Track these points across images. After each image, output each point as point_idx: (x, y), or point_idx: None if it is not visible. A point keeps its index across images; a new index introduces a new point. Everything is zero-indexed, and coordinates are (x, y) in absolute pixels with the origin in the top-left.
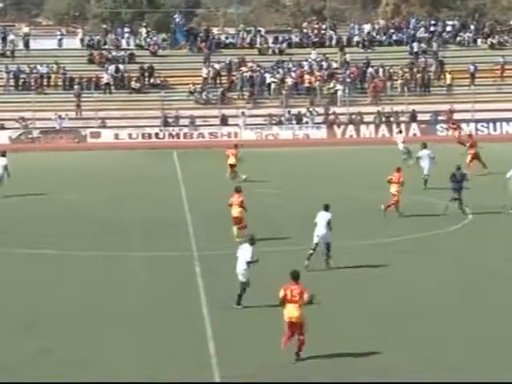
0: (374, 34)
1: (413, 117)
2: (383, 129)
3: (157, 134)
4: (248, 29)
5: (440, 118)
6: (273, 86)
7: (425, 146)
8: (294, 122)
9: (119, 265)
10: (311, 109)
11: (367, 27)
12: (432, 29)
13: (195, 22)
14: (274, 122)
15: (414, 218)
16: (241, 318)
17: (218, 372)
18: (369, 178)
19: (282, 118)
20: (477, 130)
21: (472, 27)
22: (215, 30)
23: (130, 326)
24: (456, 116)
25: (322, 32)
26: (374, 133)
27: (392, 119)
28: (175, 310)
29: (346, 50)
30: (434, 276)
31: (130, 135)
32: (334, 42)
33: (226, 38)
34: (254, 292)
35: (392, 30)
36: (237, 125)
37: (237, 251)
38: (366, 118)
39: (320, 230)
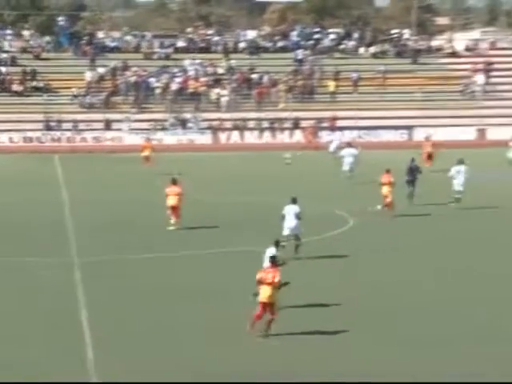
0: (259, 40)
1: (296, 123)
2: (267, 135)
3: (39, 138)
4: (133, 33)
5: (323, 124)
6: (158, 90)
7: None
8: (178, 127)
9: None
10: (196, 114)
11: (253, 33)
12: (316, 36)
13: (80, 26)
14: (158, 126)
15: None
16: (121, 325)
17: (95, 377)
18: (251, 183)
19: (167, 123)
20: (359, 137)
21: (355, 36)
22: (100, 34)
23: (7, 332)
24: (339, 123)
25: (208, 37)
26: (258, 138)
27: (276, 125)
28: (53, 315)
29: (232, 56)
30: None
31: (10, 139)
32: (219, 47)
33: (111, 41)
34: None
35: (277, 37)
36: (121, 129)
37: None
38: (251, 124)
39: (290, 222)
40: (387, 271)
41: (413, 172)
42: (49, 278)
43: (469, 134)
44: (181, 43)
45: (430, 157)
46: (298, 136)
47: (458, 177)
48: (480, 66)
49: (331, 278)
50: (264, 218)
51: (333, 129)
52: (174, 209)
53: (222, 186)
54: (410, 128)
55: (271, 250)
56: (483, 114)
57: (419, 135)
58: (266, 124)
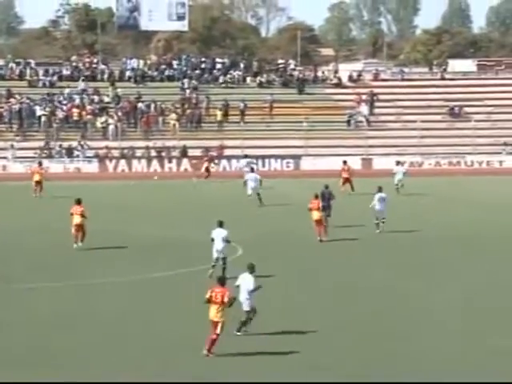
0: (145, 69)
1: (184, 152)
2: (155, 163)
3: None
4: (17, 60)
5: (211, 153)
6: (43, 118)
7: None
8: (64, 155)
9: None
10: (82, 142)
11: (139, 62)
12: (203, 66)
13: None
14: (44, 155)
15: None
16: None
17: None
18: (137, 211)
19: (53, 151)
20: (248, 164)
21: (241, 65)
22: None
23: None
24: (227, 152)
25: (94, 66)
26: (146, 167)
27: (163, 154)
28: None
29: (118, 84)
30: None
31: None
32: (105, 76)
33: None
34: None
35: (164, 66)
36: (5, 158)
37: (237, 280)
38: (138, 153)
39: (218, 245)
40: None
41: (326, 198)
42: None
43: (354, 163)
44: (66, 71)
45: (346, 181)
46: (186, 165)
47: (380, 204)
48: (364, 97)
49: None
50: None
51: (220, 157)
52: (79, 227)
53: (104, 215)
54: (296, 157)
55: (245, 276)
56: (368, 143)
57: (306, 165)
58: (153, 153)
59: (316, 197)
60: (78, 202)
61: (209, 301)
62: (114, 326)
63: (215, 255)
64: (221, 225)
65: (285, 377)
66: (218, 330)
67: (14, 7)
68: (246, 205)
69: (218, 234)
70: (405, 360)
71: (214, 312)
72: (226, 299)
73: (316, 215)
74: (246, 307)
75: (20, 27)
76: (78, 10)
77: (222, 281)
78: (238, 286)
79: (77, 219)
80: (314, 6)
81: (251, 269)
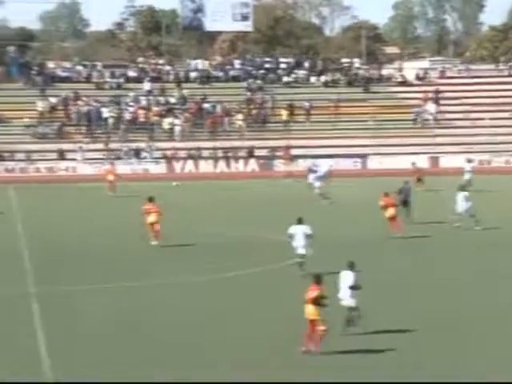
0: (210, 69)
1: (251, 152)
2: (222, 164)
3: None
4: (84, 63)
5: (277, 153)
6: (110, 120)
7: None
8: (132, 156)
9: None
10: (150, 143)
11: (204, 63)
12: (267, 66)
13: (30, 56)
14: (112, 156)
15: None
16: (82, 358)
17: None
18: (208, 211)
19: (121, 153)
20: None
21: (306, 65)
22: (51, 64)
23: None
24: (293, 152)
25: (159, 67)
26: (213, 167)
27: (230, 154)
28: (11, 348)
29: (184, 85)
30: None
31: None
32: (171, 77)
33: (62, 71)
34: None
35: (228, 67)
36: (75, 159)
37: (339, 278)
38: (205, 153)
39: (299, 241)
40: None
41: (406, 193)
42: (5, 309)
43: (422, 161)
44: (132, 73)
45: (419, 180)
46: (253, 165)
47: (466, 202)
48: (430, 95)
49: None
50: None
51: (287, 157)
52: (154, 225)
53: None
54: (363, 156)
55: (346, 273)
56: (435, 141)
57: (373, 164)
58: (220, 153)
59: (386, 194)
60: (151, 199)
61: (307, 300)
62: (210, 325)
63: (299, 251)
64: (300, 221)
65: (387, 376)
66: (317, 328)
67: (80, 10)
68: (315, 203)
69: (299, 230)
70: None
71: (308, 310)
72: (312, 295)
73: (390, 212)
74: (347, 304)
75: (86, 30)
76: (142, 12)
77: (317, 279)
78: (291, 236)
79: (150, 217)
80: (378, 4)
81: (351, 266)
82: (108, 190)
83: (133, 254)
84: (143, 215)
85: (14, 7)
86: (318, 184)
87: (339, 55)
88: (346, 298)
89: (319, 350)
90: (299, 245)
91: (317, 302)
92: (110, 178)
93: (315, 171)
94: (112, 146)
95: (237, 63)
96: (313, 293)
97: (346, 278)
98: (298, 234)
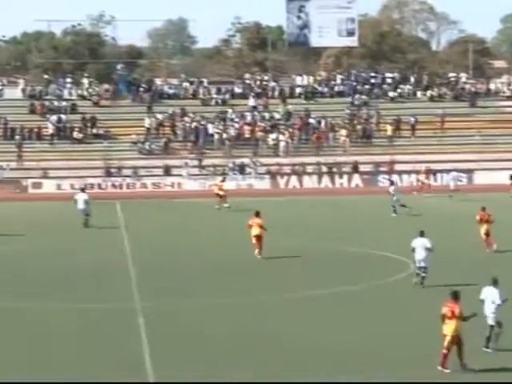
0: (315, 85)
1: (355, 167)
2: (326, 179)
3: (99, 185)
4: (191, 79)
5: (381, 168)
6: (216, 136)
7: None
8: (237, 172)
9: (59, 317)
10: (254, 159)
11: (309, 79)
12: (372, 81)
13: (138, 73)
14: (217, 172)
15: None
16: (185, 372)
17: None
18: (314, 228)
19: (226, 169)
20: (418, 180)
21: (412, 80)
22: (158, 81)
23: (74, 377)
24: (397, 167)
25: (265, 83)
26: (317, 183)
27: (334, 170)
28: (116, 361)
29: (288, 101)
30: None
31: (72, 185)
32: (276, 93)
33: (169, 88)
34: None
35: (333, 82)
36: (180, 175)
37: (481, 294)
38: (309, 169)
39: (420, 254)
40: None
41: None
42: (112, 324)
43: None
44: (237, 89)
45: None
46: (357, 180)
47: None
48: None
49: None
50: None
51: (391, 172)
52: (258, 238)
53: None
54: (469, 172)
55: (490, 289)
56: None
57: (479, 179)
58: (324, 168)
59: (483, 209)
60: (257, 214)
61: (443, 316)
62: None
63: (417, 264)
64: (422, 234)
65: None
66: (450, 344)
67: (188, 27)
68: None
69: (421, 244)
70: None
71: (447, 327)
72: (456, 313)
73: (484, 227)
74: (490, 321)
75: (193, 47)
76: (249, 28)
77: (454, 295)
78: (482, 300)
79: (255, 230)
80: (486, 18)
81: (495, 282)
82: (218, 203)
83: (245, 268)
84: (248, 228)
85: (123, 25)
86: (397, 197)
87: (446, 70)
88: (490, 314)
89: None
90: (419, 258)
91: (463, 318)
92: (219, 192)
93: (392, 183)
94: (217, 161)
95: (341, 78)
96: (457, 309)
97: (490, 293)
98: (419, 247)
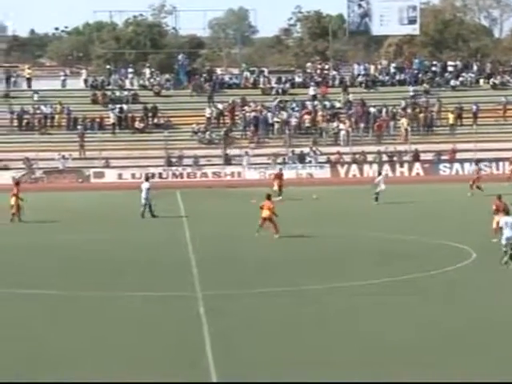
0: (376, 74)
1: (416, 156)
2: (386, 168)
3: (160, 174)
4: (251, 69)
5: (443, 157)
6: (276, 125)
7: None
8: (297, 161)
9: (121, 305)
10: (314, 148)
11: (370, 67)
12: (434, 69)
13: (198, 63)
14: (277, 161)
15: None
16: (246, 362)
17: None
18: (372, 217)
19: (286, 158)
20: (480, 169)
21: (474, 68)
22: (219, 71)
23: (135, 367)
24: (459, 155)
25: (325, 72)
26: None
27: (395, 158)
28: (179, 349)
29: (349, 89)
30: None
31: (133, 175)
32: (337, 82)
33: (230, 78)
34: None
35: (394, 70)
36: (240, 164)
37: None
38: (370, 158)
39: (508, 233)
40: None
41: None
42: (174, 312)
43: None
44: (298, 78)
45: None
46: (418, 169)
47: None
48: None
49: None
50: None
51: (452, 161)
52: (266, 220)
53: (343, 220)
54: None
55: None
56: None
57: None
58: (385, 157)
59: (499, 198)
60: (268, 197)
61: None
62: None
63: (504, 242)
64: (508, 213)
65: None
66: None
67: (248, 17)
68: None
69: (507, 221)
70: None
71: None
72: None
73: (499, 217)
74: None
75: (254, 37)
76: (309, 17)
77: None
78: (501, 228)
79: (265, 213)
80: None
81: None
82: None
83: (296, 258)
84: (260, 209)
85: (184, 15)
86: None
87: (509, 57)
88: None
89: None
90: (508, 235)
91: None
92: (276, 182)
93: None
94: (277, 150)
95: (402, 67)
96: None
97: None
98: (507, 225)
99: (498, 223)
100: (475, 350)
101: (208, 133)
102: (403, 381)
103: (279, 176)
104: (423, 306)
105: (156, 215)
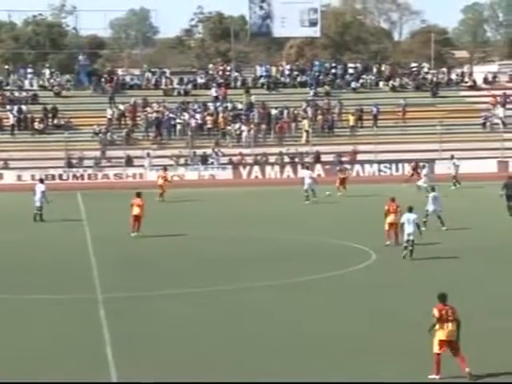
0: (278, 75)
1: (317, 157)
2: (288, 169)
3: (60, 176)
4: (153, 70)
5: (343, 158)
6: (178, 127)
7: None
8: (199, 162)
9: (21, 308)
10: (217, 149)
11: (272, 69)
12: (335, 71)
13: (99, 63)
14: (180, 162)
15: (323, 257)
16: (146, 361)
17: None
18: (276, 218)
19: (188, 159)
20: (380, 170)
21: (374, 70)
22: (120, 71)
23: (33, 370)
24: (359, 157)
25: (227, 73)
26: (280, 173)
27: (297, 160)
28: (79, 351)
29: (251, 91)
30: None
31: (33, 176)
32: (238, 83)
33: (131, 78)
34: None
35: (296, 72)
36: (142, 166)
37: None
38: (271, 159)
39: (409, 229)
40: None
41: (510, 188)
42: (74, 315)
43: (490, 166)
44: (200, 79)
45: None
46: (319, 170)
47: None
48: (499, 99)
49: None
50: (274, 254)
51: (353, 163)
52: (137, 218)
53: (243, 221)
54: (431, 161)
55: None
56: (505, 146)
57: (440, 168)
58: (287, 159)
59: (392, 199)
60: (138, 194)
61: (440, 320)
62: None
63: (405, 238)
64: (410, 210)
65: None
66: (460, 351)
67: (150, 18)
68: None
69: (409, 218)
70: None
71: (450, 331)
72: (456, 316)
73: (391, 218)
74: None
75: (155, 37)
76: (211, 18)
77: (443, 298)
78: (402, 224)
79: (135, 210)
80: (447, 8)
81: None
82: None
83: (197, 259)
84: (131, 208)
85: (85, 15)
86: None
87: (408, 60)
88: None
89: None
90: (409, 232)
91: (458, 322)
92: (160, 182)
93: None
94: (178, 152)
95: (305, 69)
96: (455, 313)
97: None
98: (408, 221)
99: (389, 224)
100: (378, 349)
101: (109, 134)
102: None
103: (164, 177)
104: (326, 305)
105: (44, 219)
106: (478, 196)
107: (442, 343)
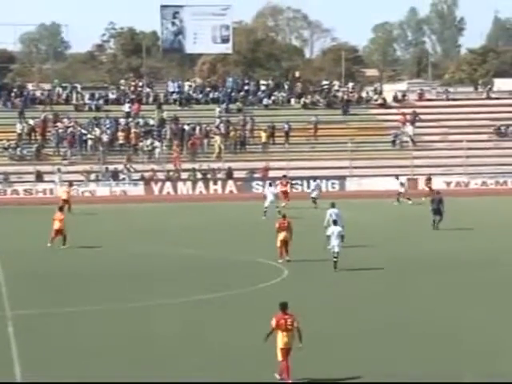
0: (190, 92)
1: (229, 174)
2: (200, 186)
3: None
4: (64, 85)
5: (255, 175)
6: (89, 142)
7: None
8: (110, 178)
9: None
10: (128, 165)
11: (184, 85)
12: (247, 88)
13: (9, 78)
14: (91, 178)
15: (228, 275)
16: (53, 378)
17: None
18: (185, 234)
19: (99, 175)
20: (292, 187)
21: (286, 87)
22: (30, 86)
23: None
24: (271, 173)
25: (139, 89)
26: (192, 190)
27: (209, 176)
28: None
29: (163, 107)
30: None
31: None
32: (151, 99)
33: (41, 93)
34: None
35: (208, 89)
36: (53, 181)
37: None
38: (184, 175)
39: (335, 241)
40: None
41: (436, 202)
42: None
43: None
44: (112, 95)
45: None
46: (231, 186)
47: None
48: (408, 117)
49: None
50: (192, 269)
51: (265, 179)
52: (59, 231)
53: (154, 237)
54: (341, 178)
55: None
56: (414, 163)
57: (351, 185)
58: (199, 175)
59: (284, 217)
60: (60, 209)
61: (278, 328)
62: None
63: (332, 249)
64: (336, 223)
65: None
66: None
67: (61, 32)
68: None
69: (334, 231)
70: None
71: (288, 339)
72: (295, 324)
73: (282, 235)
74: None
75: (66, 52)
76: (123, 34)
77: (284, 306)
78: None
79: (57, 225)
80: (357, 26)
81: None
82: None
83: (111, 273)
84: (52, 222)
85: None
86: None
87: (319, 77)
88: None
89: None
90: (334, 244)
91: (298, 330)
92: (64, 197)
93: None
94: (90, 167)
95: (217, 86)
96: (294, 321)
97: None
98: (334, 234)
99: (281, 241)
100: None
101: (19, 149)
102: None
103: (68, 192)
104: (240, 320)
105: None
106: (388, 211)
107: (282, 351)
